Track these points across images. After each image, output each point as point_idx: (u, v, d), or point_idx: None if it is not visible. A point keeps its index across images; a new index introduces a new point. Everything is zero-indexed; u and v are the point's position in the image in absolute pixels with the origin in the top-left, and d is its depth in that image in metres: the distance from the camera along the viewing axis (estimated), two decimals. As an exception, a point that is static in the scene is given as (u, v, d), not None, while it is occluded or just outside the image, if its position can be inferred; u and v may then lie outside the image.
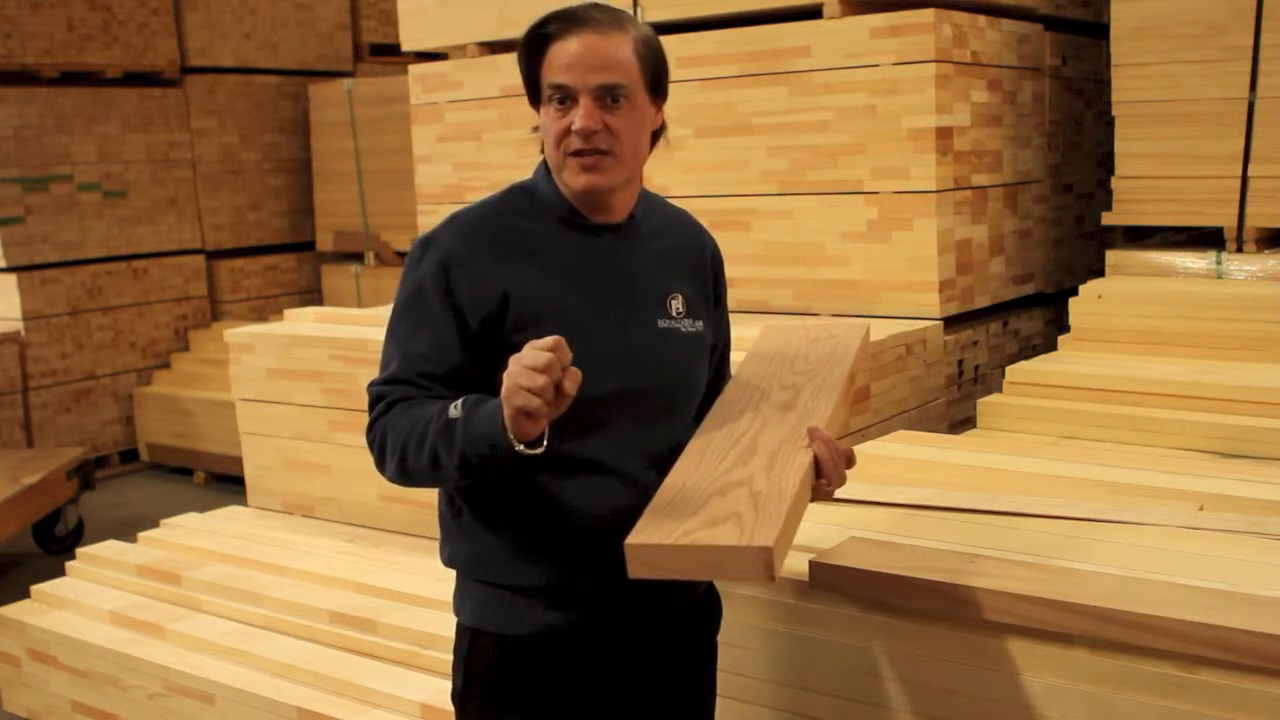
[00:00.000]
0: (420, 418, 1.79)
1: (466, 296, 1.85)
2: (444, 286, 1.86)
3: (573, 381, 1.64)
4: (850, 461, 1.94)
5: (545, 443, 1.69)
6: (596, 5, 1.87)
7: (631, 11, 4.77)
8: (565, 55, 1.82)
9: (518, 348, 1.79)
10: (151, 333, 7.79)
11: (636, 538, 1.72)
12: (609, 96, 1.83)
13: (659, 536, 1.71)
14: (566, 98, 1.83)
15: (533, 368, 1.62)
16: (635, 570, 1.71)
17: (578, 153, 1.84)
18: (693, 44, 4.69)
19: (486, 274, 1.86)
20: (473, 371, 1.85)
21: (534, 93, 1.90)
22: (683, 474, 1.87)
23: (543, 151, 1.93)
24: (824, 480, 1.89)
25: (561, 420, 1.82)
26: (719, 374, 2.14)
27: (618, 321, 1.90)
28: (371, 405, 1.89)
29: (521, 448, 1.67)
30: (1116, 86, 4.57)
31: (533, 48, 1.87)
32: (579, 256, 1.91)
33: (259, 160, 8.36)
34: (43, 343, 7.24)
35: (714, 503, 1.77)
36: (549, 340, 1.64)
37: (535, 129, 1.94)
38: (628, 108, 1.85)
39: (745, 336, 2.23)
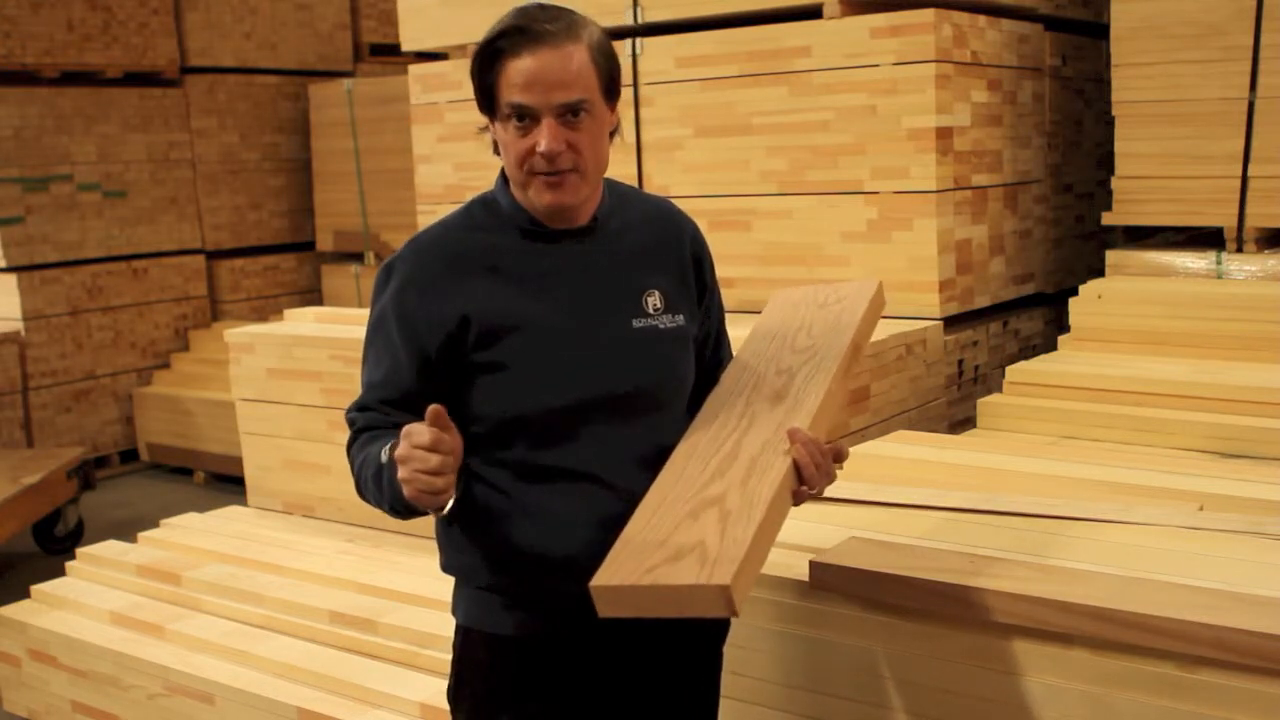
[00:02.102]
0: (368, 457, 1.84)
1: (425, 321, 1.86)
2: (402, 314, 1.87)
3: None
4: (840, 458, 1.88)
5: (455, 498, 1.72)
6: (545, 10, 1.82)
7: (630, 12, 4.78)
8: (522, 74, 1.78)
9: (483, 366, 1.84)
10: (151, 333, 7.79)
11: (600, 579, 1.69)
12: (570, 113, 1.80)
13: (620, 577, 1.68)
14: (526, 116, 1.80)
15: (421, 446, 1.63)
16: (604, 610, 1.69)
17: (543, 173, 1.82)
18: (693, 44, 4.68)
19: (445, 297, 1.86)
20: (440, 393, 1.84)
21: (488, 106, 1.86)
22: (660, 491, 1.83)
23: (496, 152, 1.90)
24: (805, 486, 1.83)
25: (541, 430, 1.85)
26: (715, 360, 2.11)
27: (588, 327, 1.88)
28: (351, 427, 1.96)
29: (432, 512, 1.72)
30: (1116, 86, 4.57)
31: (485, 62, 1.82)
32: (543, 266, 1.89)
33: (259, 160, 8.36)
34: (43, 343, 7.24)
35: (683, 528, 1.73)
36: (427, 421, 1.64)
37: (483, 129, 1.91)
38: (589, 121, 1.82)
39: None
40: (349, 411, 1.96)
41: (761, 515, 1.71)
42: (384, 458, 1.77)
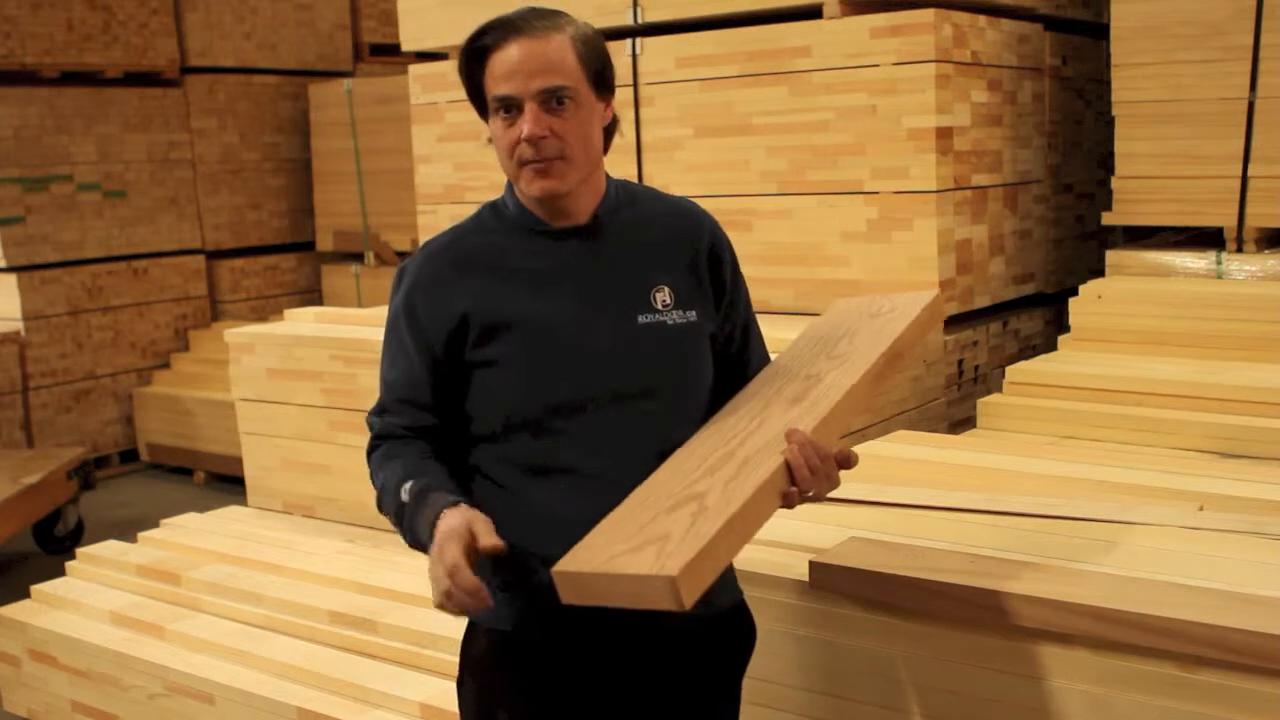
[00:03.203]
0: (386, 481, 1.90)
1: (431, 324, 1.90)
2: (411, 317, 1.92)
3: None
4: (846, 463, 1.84)
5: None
6: (533, 9, 1.86)
7: (630, 12, 4.78)
8: (505, 65, 1.82)
9: (481, 363, 1.88)
10: (151, 333, 7.79)
11: (562, 564, 1.69)
12: (553, 99, 1.82)
13: (579, 564, 1.68)
14: (511, 107, 1.82)
15: (447, 572, 1.70)
16: (566, 597, 1.69)
17: (530, 161, 1.84)
18: (693, 44, 4.68)
19: (449, 299, 1.89)
20: (447, 394, 1.92)
21: (480, 105, 1.90)
22: (650, 486, 1.83)
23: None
24: (796, 489, 1.79)
25: (541, 427, 1.87)
26: (741, 359, 2.08)
27: (590, 323, 1.88)
28: (370, 431, 2.01)
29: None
30: (1116, 86, 4.57)
31: (472, 61, 1.86)
32: (545, 264, 1.91)
33: (259, 160, 8.36)
34: (43, 343, 7.24)
35: (657, 521, 1.72)
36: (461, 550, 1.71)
37: (490, 140, 1.93)
38: (573, 108, 1.84)
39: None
40: (369, 416, 2.00)
41: (733, 512, 1.68)
42: (404, 496, 1.84)
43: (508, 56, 1.81)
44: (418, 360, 1.91)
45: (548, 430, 1.86)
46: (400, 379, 1.94)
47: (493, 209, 1.99)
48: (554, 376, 1.86)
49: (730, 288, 2.04)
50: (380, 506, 1.94)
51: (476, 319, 1.87)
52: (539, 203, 1.90)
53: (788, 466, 1.78)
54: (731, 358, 2.06)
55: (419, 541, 1.82)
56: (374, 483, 1.96)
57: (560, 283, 1.90)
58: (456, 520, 1.74)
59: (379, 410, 1.98)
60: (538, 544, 1.88)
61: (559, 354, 1.86)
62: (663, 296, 1.93)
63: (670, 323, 1.93)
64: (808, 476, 1.78)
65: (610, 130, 1.94)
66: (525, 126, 1.81)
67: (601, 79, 1.89)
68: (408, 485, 1.84)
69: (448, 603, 1.71)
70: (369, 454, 1.99)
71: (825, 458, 1.80)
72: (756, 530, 1.77)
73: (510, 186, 1.96)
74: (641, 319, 1.91)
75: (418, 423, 1.93)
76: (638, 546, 1.67)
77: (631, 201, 2.00)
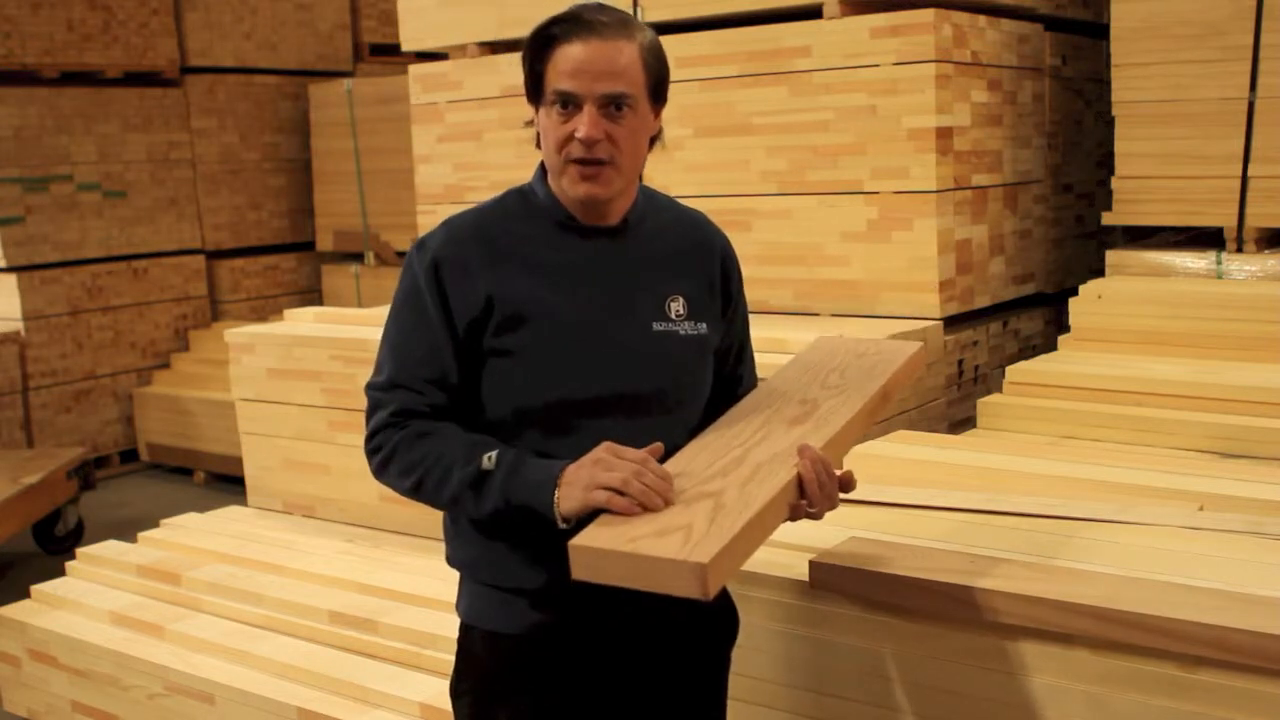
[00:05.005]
0: (441, 455, 1.82)
1: (455, 300, 1.87)
2: (435, 290, 1.87)
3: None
4: (846, 486, 1.87)
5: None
6: (602, 7, 1.86)
7: (631, 12, 4.78)
8: (571, 61, 1.81)
9: (499, 352, 1.85)
10: (151, 333, 7.79)
11: (581, 539, 1.70)
12: (613, 105, 1.82)
13: (602, 540, 1.68)
14: (570, 103, 1.82)
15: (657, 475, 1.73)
16: (578, 572, 1.70)
17: (579, 161, 1.83)
18: (693, 44, 4.69)
19: (474, 279, 1.86)
20: (469, 374, 1.88)
21: (535, 93, 1.88)
22: None
23: (538, 146, 1.92)
24: (805, 501, 1.82)
25: (550, 424, 1.86)
26: (735, 375, 2.11)
27: (608, 325, 1.89)
28: (370, 410, 1.92)
29: (563, 523, 1.74)
30: (1116, 86, 4.57)
31: (537, 48, 1.85)
32: (571, 260, 1.90)
33: (259, 160, 8.36)
34: (43, 343, 7.24)
35: (674, 511, 1.74)
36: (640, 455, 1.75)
37: (528, 123, 1.93)
38: (631, 117, 1.84)
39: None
40: (374, 389, 1.92)
41: (753, 513, 1.72)
42: (488, 464, 1.79)
43: (575, 53, 1.81)
44: (442, 337, 1.87)
45: (556, 427, 1.86)
46: (424, 356, 1.87)
47: (520, 195, 1.97)
48: (568, 374, 1.86)
49: (734, 305, 2.08)
50: (424, 483, 1.84)
51: (501, 306, 1.85)
52: (578, 202, 1.90)
53: (799, 480, 1.81)
54: (725, 374, 2.08)
55: (523, 503, 1.77)
56: (404, 458, 1.85)
57: (584, 282, 1.90)
58: (603, 451, 1.75)
59: (388, 385, 1.89)
60: (539, 542, 1.88)
61: (575, 352, 1.86)
62: (677, 306, 1.95)
63: (683, 333, 1.94)
64: (816, 492, 1.82)
65: (653, 141, 1.95)
66: (582, 127, 1.81)
67: (659, 91, 1.90)
68: (492, 454, 1.79)
69: (627, 490, 1.70)
70: (379, 430, 1.88)
71: (832, 477, 1.84)
72: (768, 536, 1.80)
73: (541, 175, 1.96)
74: (656, 326, 1.92)
75: (439, 403, 1.87)
76: (660, 532, 1.68)
77: (653, 207, 2.02)
